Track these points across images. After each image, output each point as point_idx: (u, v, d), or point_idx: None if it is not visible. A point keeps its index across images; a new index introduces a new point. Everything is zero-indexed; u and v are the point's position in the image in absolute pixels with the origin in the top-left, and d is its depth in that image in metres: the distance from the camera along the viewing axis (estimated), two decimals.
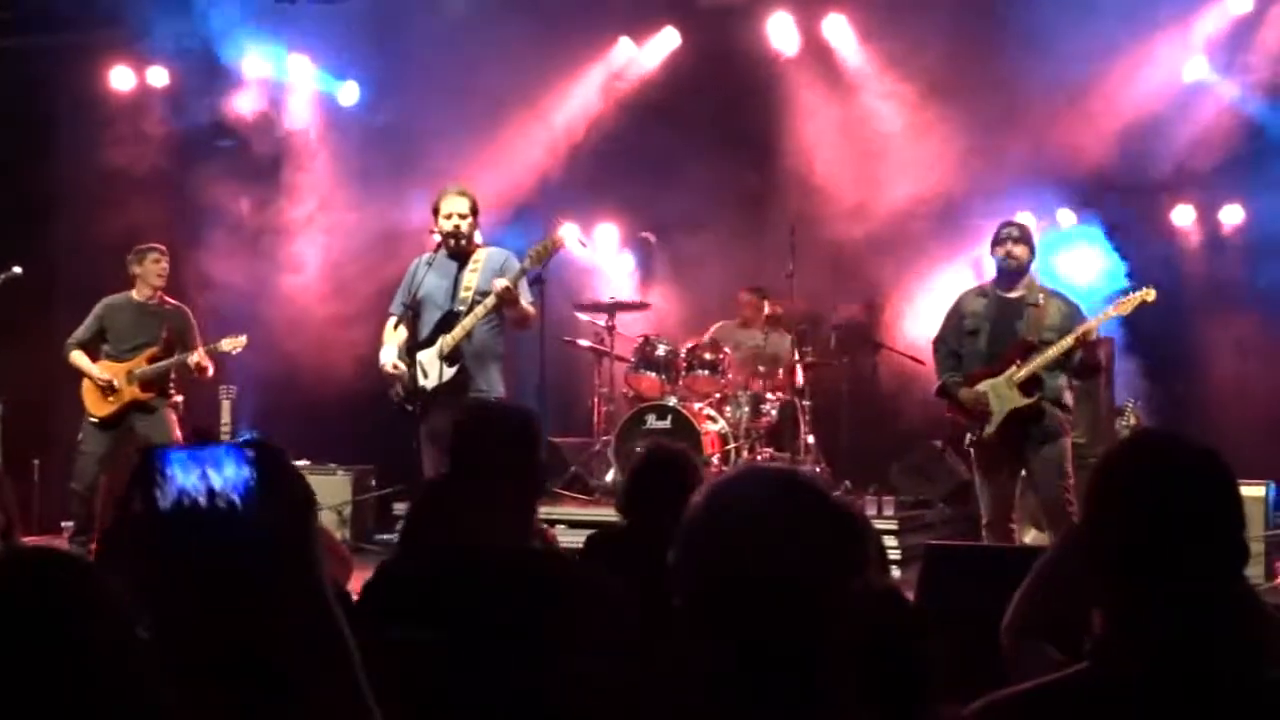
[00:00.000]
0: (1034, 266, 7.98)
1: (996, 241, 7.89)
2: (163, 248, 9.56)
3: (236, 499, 1.71)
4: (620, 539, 4.59)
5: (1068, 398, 7.76)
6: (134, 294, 9.48)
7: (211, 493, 1.70)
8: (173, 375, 9.34)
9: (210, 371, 9.33)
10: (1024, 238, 7.86)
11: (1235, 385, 10.67)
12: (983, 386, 7.68)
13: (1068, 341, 7.51)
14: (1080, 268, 10.98)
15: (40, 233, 11.24)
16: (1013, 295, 7.80)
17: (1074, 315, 7.73)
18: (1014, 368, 7.60)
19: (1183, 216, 11.70)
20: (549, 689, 2.80)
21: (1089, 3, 10.29)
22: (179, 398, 9.46)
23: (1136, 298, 7.72)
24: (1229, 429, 9.56)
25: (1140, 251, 11.30)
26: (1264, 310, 10.91)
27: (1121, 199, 11.19)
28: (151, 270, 9.43)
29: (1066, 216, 11.42)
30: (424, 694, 2.92)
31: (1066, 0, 10.16)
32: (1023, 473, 7.77)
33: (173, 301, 9.58)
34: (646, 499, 4.50)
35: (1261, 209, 11.28)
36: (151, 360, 9.25)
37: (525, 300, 8.16)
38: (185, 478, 1.71)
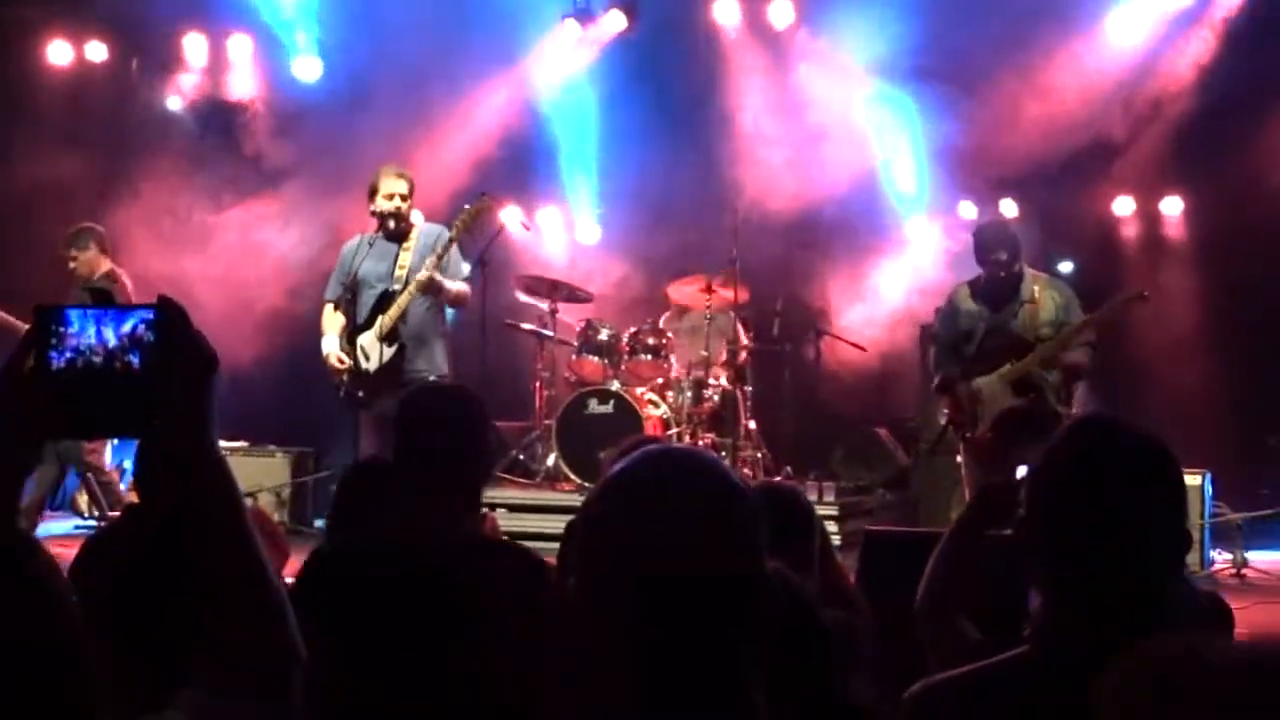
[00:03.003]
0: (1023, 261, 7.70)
1: (982, 255, 7.63)
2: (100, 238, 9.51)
3: (134, 359, 1.66)
4: None
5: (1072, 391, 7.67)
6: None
7: (108, 352, 1.66)
8: None
9: None
10: (1011, 247, 7.58)
11: (1173, 373, 10.77)
12: (978, 383, 7.58)
13: (1051, 347, 7.43)
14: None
15: None
16: (1006, 294, 7.60)
17: (1069, 305, 7.59)
18: (1007, 366, 7.50)
19: (1123, 207, 11.79)
20: (485, 680, 2.77)
21: None
22: None
23: (1129, 298, 7.66)
24: (1167, 417, 9.64)
25: (1080, 242, 11.41)
26: (1202, 299, 11.03)
27: (1062, 189, 11.25)
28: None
29: (1009, 207, 11.49)
30: (366, 680, 2.89)
31: None
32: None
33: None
34: None
35: (1199, 200, 11.41)
36: None
37: (454, 283, 8.10)
38: (82, 337, 1.66)
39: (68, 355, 1.65)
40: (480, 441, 3.32)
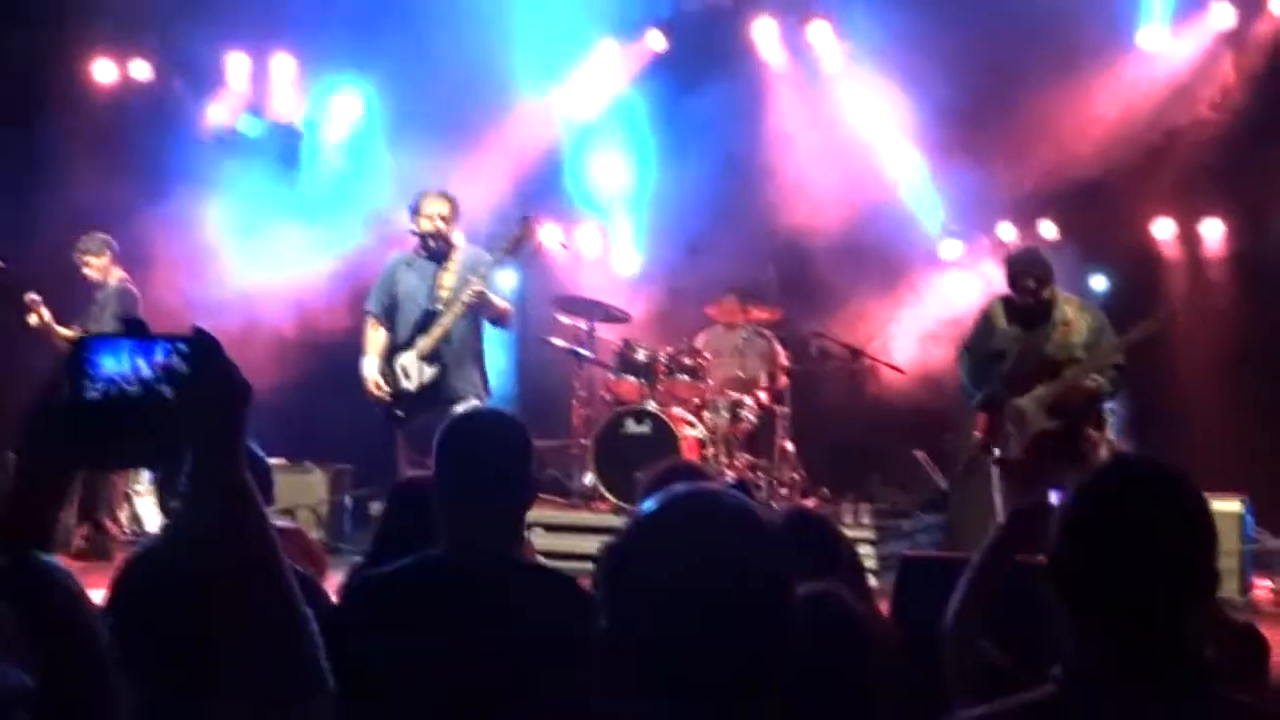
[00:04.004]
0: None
1: (1012, 282, 7.69)
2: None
3: (167, 390, 1.66)
4: None
5: (1104, 415, 7.73)
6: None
7: (142, 383, 1.66)
8: None
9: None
10: (1041, 273, 7.61)
11: (1213, 397, 10.69)
12: (1017, 403, 7.62)
13: (1083, 371, 7.48)
14: None
15: (19, 226, 11.15)
16: (1039, 318, 7.65)
17: (1102, 328, 7.65)
18: (1041, 388, 7.54)
19: (1162, 229, 11.72)
20: (533, 707, 2.77)
21: (1070, 11, 10.33)
22: None
23: (1158, 320, 7.67)
24: (1204, 442, 9.58)
25: (1118, 261, 11.36)
26: (1242, 322, 10.95)
27: (1100, 210, 11.20)
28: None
29: (1048, 228, 11.45)
30: (410, 703, 2.90)
31: (1049, 9, 10.18)
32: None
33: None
34: None
35: (1239, 223, 11.35)
36: None
37: (499, 297, 8.17)
38: (115, 367, 1.66)
39: (101, 385, 1.66)
40: (524, 468, 3.32)
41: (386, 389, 8.16)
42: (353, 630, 3.00)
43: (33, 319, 9.62)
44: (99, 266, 9.72)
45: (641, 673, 1.65)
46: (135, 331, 1.70)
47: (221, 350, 1.69)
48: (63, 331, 9.59)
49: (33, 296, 9.67)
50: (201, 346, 1.68)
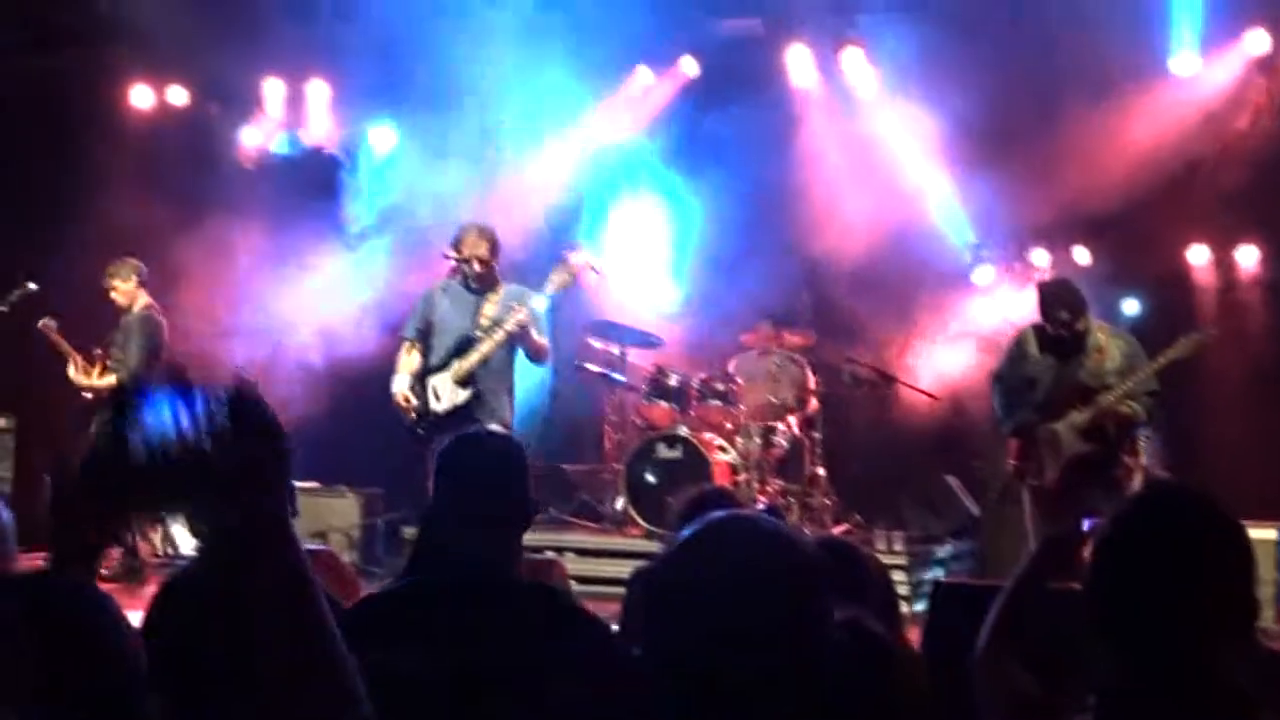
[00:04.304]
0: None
1: (1045, 314, 7.68)
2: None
3: (206, 440, 1.65)
4: None
5: (1139, 442, 7.72)
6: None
7: (181, 433, 1.65)
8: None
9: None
10: (1075, 305, 7.61)
11: (1247, 423, 10.62)
12: (1051, 428, 7.64)
13: (1117, 397, 7.47)
14: None
15: (56, 249, 11.26)
16: (1071, 347, 7.66)
17: (1136, 354, 7.63)
18: (1075, 414, 7.54)
19: (1197, 256, 11.66)
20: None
21: (1102, 37, 10.31)
22: None
23: (1193, 341, 7.65)
24: (1239, 469, 9.52)
25: (1151, 286, 11.31)
26: (1278, 348, 10.89)
27: (1134, 236, 11.16)
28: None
29: (1081, 253, 11.41)
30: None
31: (1079, 34, 10.18)
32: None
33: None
34: None
35: (1276, 248, 11.29)
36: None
37: (539, 332, 8.18)
38: (156, 417, 1.66)
39: (141, 435, 1.67)
40: (521, 488, 3.34)
41: (414, 402, 8.19)
42: (351, 648, 3.01)
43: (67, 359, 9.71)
44: (125, 291, 9.76)
45: (677, 694, 1.65)
46: (176, 380, 1.70)
47: (262, 400, 1.69)
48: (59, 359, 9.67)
49: (47, 322, 9.71)
50: (242, 396, 1.68)
